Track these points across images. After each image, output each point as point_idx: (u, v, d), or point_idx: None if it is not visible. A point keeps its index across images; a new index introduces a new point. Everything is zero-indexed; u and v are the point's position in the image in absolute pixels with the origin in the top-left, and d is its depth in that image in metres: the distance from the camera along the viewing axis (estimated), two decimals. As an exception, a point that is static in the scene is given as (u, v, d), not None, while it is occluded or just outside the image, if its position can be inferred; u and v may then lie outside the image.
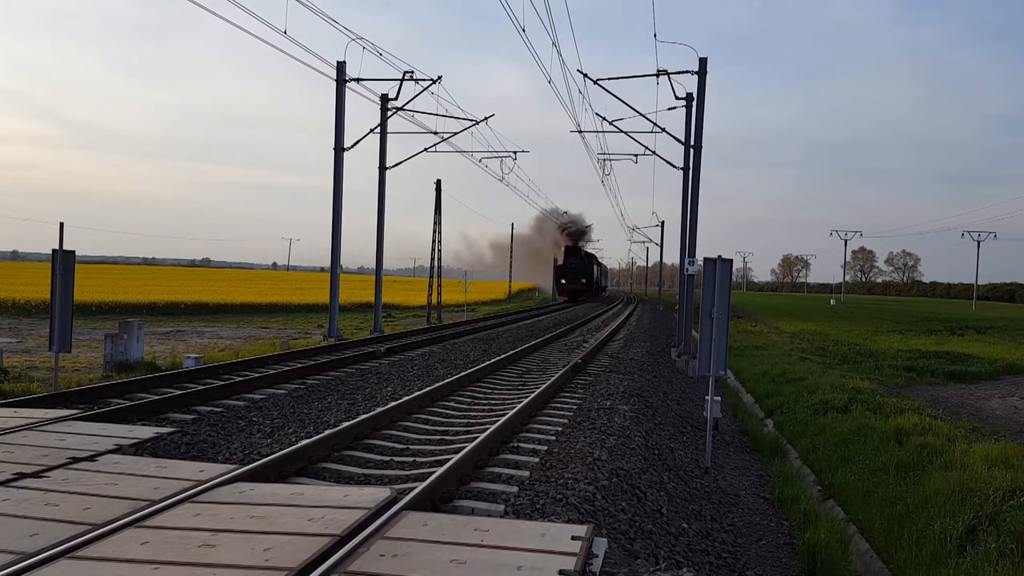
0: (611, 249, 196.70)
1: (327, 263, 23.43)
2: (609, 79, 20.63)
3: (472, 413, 9.87)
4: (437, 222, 34.30)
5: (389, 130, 23.69)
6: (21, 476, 5.44)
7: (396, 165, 24.46)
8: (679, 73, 19.97)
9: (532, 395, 10.24)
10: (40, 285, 35.81)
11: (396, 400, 10.00)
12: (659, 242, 64.93)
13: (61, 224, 10.66)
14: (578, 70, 26.58)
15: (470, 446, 6.99)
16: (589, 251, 71.18)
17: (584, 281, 60.76)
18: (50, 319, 10.75)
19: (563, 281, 60.96)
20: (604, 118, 22.00)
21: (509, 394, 11.40)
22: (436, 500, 5.74)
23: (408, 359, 15.12)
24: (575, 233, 70.81)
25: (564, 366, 14.05)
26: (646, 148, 23.30)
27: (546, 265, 74.61)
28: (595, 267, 66.08)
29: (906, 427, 11.27)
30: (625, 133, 22.21)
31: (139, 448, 6.72)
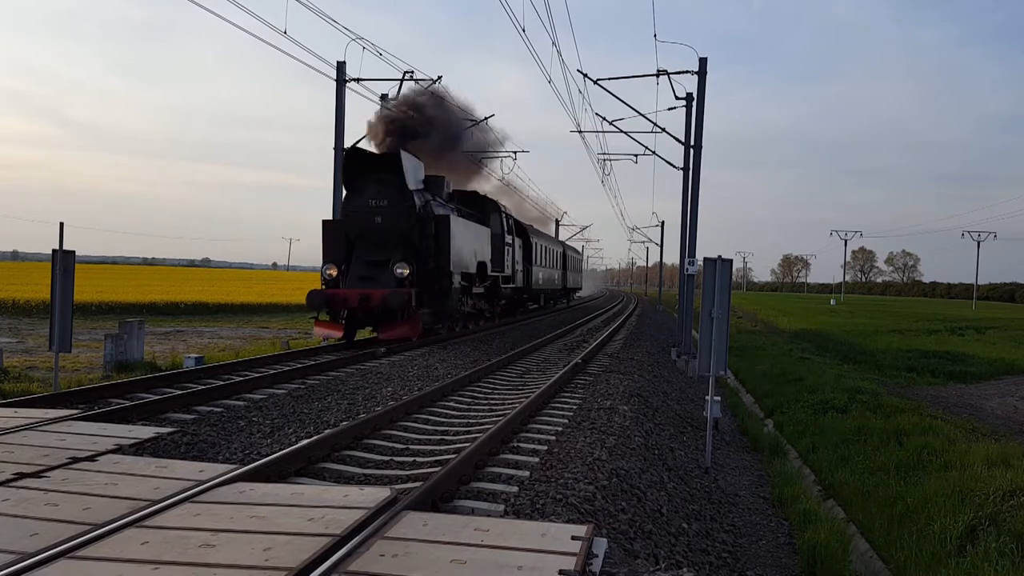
0: (611, 249, 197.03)
1: (327, 263, 23.33)
2: (609, 79, 20.64)
3: (472, 413, 9.87)
4: (437, 222, 33.98)
5: (389, 130, 23.58)
6: (21, 476, 5.44)
7: (396, 165, 24.36)
8: (679, 73, 19.98)
9: (532, 395, 10.24)
10: (40, 285, 35.80)
11: (396, 400, 10.01)
12: (659, 242, 64.78)
13: (61, 224, 10.66)
14: (578, 70, 26.63)
15: (470, 446, 7.00)
16: (494, 199, 24.61)
17: (405, 274, 16.29)
18: (50, 319, 10.75)
19: (329, 274, 16.74)
20: (604, 118, 22.02)
21: (509, 394, 11.39)
22: (436, 500, 5.75)
23: (408, 359, 15.11)
24: (398, 128, 19.26)
25: (564, 366, 14.04)
26: (646, 148, 23.34)
27: None
28: (508, 243, 24.42)
29: (906, 427, 11.28)
30: (625, 133, 22.24)
31: (139, 448, 6.72)
